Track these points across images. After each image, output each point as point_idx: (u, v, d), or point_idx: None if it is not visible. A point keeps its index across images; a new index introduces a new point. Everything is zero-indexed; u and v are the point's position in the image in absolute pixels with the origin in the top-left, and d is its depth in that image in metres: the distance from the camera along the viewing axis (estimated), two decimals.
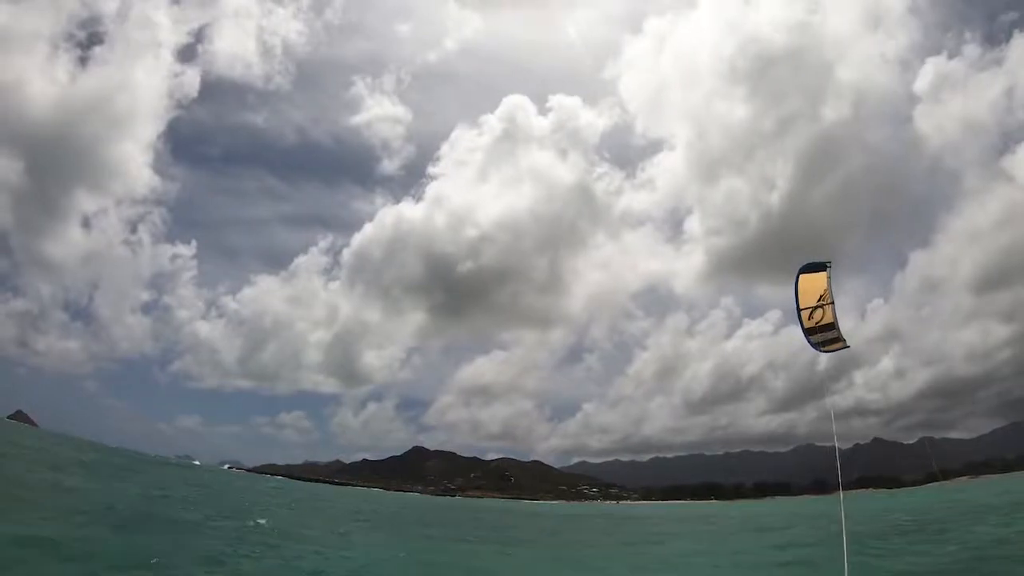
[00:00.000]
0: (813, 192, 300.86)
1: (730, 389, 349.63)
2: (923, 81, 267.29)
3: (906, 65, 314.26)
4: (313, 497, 77.59)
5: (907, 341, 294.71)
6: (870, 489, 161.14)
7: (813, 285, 11.57)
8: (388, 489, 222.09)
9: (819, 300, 11.50)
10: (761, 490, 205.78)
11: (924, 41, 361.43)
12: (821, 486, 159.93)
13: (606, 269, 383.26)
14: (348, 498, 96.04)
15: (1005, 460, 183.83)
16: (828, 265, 11.58)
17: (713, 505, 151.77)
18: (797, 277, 11.65)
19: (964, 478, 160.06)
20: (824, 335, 11.60)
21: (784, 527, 47.30)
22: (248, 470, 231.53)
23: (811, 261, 11.72)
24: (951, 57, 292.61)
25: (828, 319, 11.48)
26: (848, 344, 11.69)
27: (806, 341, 11.67)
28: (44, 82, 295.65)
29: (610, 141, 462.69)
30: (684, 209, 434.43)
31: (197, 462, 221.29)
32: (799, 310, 11.59)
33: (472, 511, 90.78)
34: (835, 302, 11.53)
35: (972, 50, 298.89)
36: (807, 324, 11.58)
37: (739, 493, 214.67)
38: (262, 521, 31.17)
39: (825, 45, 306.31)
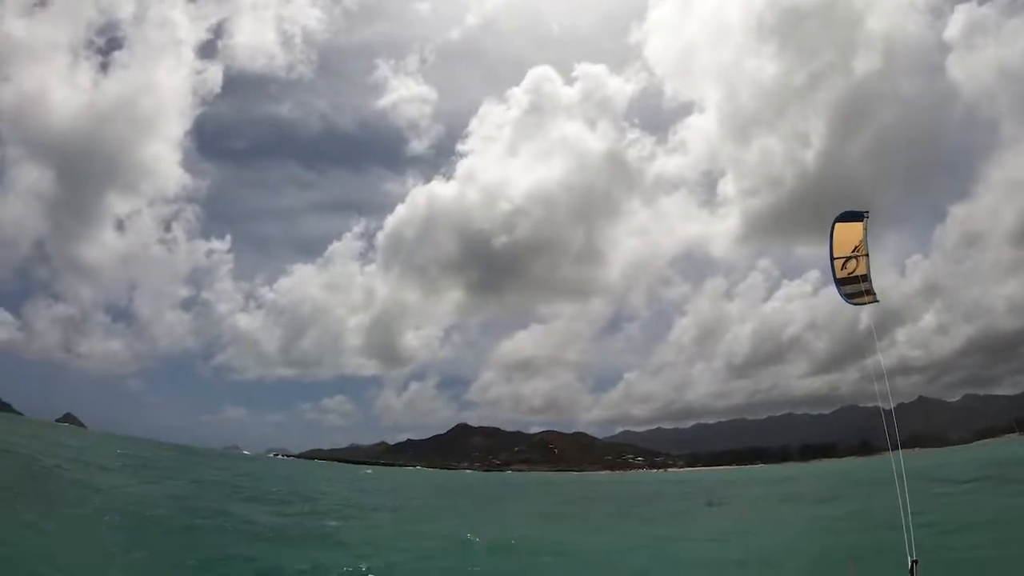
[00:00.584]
0: (848, 147, 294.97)
1: (771, 352, 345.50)
2: (954, 28, 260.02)
3: (937, 13, 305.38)
4: (370, 479, 78.29)
5: (948, 296, 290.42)
6: (916, 449, 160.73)
7: (848, 235, 11.33)
8: (434, 467, 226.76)
9: (853, 251, 11.29)
10: (807, 453, 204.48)
11: None
12: (867, 447, 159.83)
13: (642, 236, 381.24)
14: (406, 480, 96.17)
15: None
16: (865, 215, 11.30)
17: (771, 469, 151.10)
18: (833, 225, 11.37)
19: (1013, 434, 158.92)
20: (856, 287, 11.31)
21: (875, 483, 45.92)
22: (295, 456, 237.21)
23: (847, 210, 11.43)
24: (981, 3, 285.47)
25: (861, 271, 11.26)
26: (878, 299, 11.37)
27: (837, 292, 11.46)
28: (67, 90, 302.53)
29: (639, 107, 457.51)
30: (717, 171, 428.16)
31: (247, 452, 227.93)
32: (832, 259, 11.35)
33: (540, 485, 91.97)
34: (870, 255, 11.29)
35: None
36: (839, 274, 11.35)
37: (785, 456, 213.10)
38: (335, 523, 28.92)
39: None
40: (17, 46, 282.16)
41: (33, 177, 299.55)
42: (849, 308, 11.58)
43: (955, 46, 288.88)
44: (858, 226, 11.23)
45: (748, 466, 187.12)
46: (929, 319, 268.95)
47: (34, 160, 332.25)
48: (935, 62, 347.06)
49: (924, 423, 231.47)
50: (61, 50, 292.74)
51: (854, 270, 11.22)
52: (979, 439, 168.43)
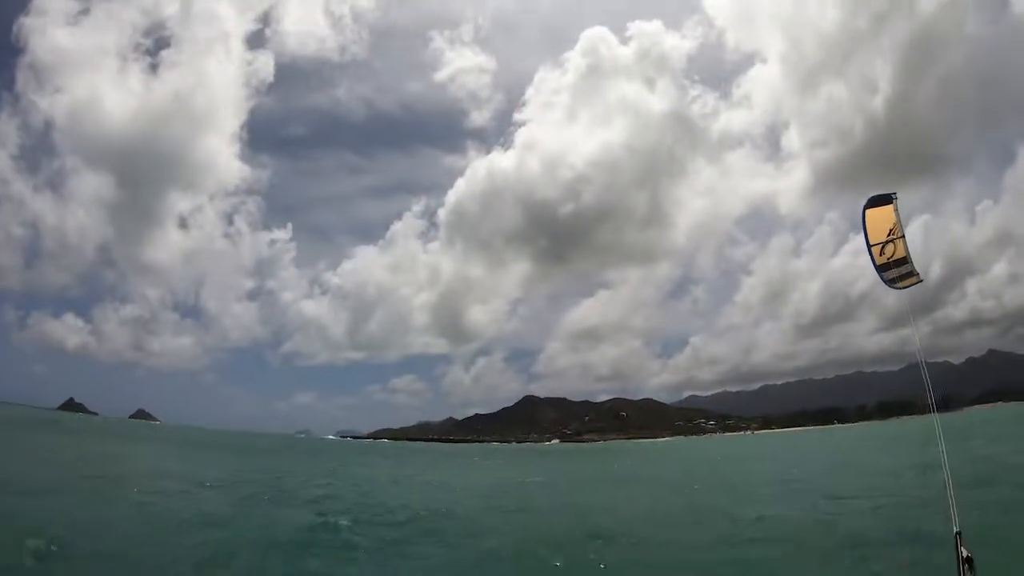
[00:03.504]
0: (916, 92, 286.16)
1: (840, 309, 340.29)
2: None
3: None
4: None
5: (1021, 243, 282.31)
6: (999, 403, 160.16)
7: (881, 219, 11.09)
8: (505, 441, 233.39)
9: (889, 234, 11.00)
10: (885, 411, 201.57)
11: None
12: (947, 403, 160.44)
13: (707, 195, 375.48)
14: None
15: None
16: (894, 197, 11.03)
17: (854, 428, 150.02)
18: (863, 213, 11.10)
19: None
20: (898, 270, 10.85)
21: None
22: (364, 437, 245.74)
23: (875, 195, 11.12)
24: None
25: (900, 253, 10.92)
26: (922, 278, 10.94)
27: (879, 278, 10.85)
28: (119, 95, 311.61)
29: (699, 62, 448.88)
30: (781, 124, 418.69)
31: (331, 436, 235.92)
32: (870, 247, 11.00)
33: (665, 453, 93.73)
34: (905, 235, 10.87)
35: None
36: (879, 260, 10.99)
37: (863, 415, 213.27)
38: None
39: None
40: (65, 56, 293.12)
41: (93, 184, 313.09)
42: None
43: None
44: (889, 209, 11.11)
45: (827, 426, 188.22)
46: (1001, 268, 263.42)
47: (92, 167, 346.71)
48: None
49: (1000, 377, 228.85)
50: (109, 55, 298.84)
51: (893, 254, 10.98)
52: None
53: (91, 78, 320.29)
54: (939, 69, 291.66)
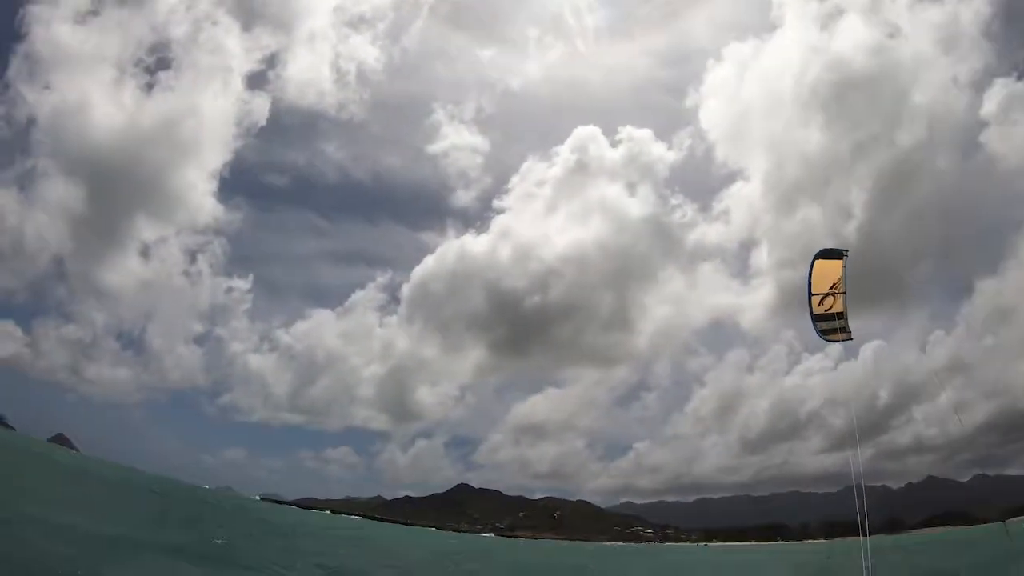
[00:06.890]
0: (887, 220, 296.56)
1: (787, 427, 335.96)
2: (991, 103, 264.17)
3: (977, 87, 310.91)
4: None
5: (969, 373, 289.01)
6: (947, 527, 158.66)
7: (828, 272, 11.37)
8: (435, 527, 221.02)
9: (832, 288, 11.41)
10: (831, 530, 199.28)
11: (998, 63, 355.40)
12: (894, 525, 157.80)
13: (673, 304, 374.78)
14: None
15: None
16: (845, 253, 11.31)
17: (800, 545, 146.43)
18: (812, 261, 11.40)
19: None
20: (831, 323, 11.43)
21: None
22: (289, 503, 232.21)
23: (827, 248, 11.53)
24: (1021, 78, 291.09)
25: (838, 308, 11.32)
26: (852, 337, 11.36)
27: (812, 327, 11.41)
28: (108, 106, 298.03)
29: (682, 173, 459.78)
30: (751, 241, 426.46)
31: (256, 497, 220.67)
32: (810, 295, 11.40)
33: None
34: (847, 292, 11.29)
35: None
36: (816, 310, 11.41)
37: (807, 533, 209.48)
38: None
39: (902, 69, 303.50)
40: (64, 54, 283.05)
41: (61, 192, 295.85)
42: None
43: (992, 121, 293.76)
44: (837, 264, 11.32)
45: (769, 542, 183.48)
46: (947, 397, 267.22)
47: (65, 174, 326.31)
48: (972, 137, 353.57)
49: (938, 503, 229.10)
50: (107, 64, 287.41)
51: (831, 307, 11.30)
52: (1011, 516, 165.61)
53: (84, 83, 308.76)
54: (909, 200, 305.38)
